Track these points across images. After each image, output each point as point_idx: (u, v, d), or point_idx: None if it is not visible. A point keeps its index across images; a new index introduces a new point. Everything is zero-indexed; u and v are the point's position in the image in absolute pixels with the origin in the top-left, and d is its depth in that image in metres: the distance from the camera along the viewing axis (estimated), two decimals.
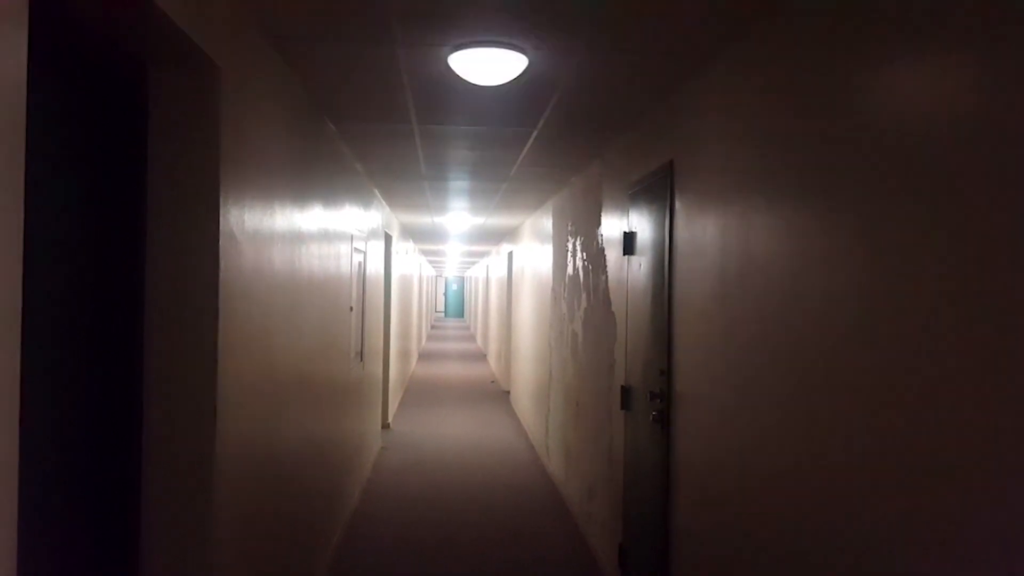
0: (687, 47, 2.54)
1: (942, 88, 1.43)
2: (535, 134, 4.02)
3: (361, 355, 5.60)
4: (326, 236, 3.88)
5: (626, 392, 3.79)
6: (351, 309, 4.95)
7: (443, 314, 40.25)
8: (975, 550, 1.31)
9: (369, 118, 3.80)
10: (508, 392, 11.13)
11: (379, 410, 7.28)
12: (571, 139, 4.14)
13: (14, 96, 1.14)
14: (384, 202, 7.11)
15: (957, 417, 1.36)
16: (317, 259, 3.60)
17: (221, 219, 2.11)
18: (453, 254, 17.10)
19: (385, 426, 8.22)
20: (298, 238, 3.15)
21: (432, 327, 28.97)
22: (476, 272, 22.94)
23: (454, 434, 8.13)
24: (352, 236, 4.84)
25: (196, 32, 1.88)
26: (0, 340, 1.12)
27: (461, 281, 39.23)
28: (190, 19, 1.83)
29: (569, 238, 5.69)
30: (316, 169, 3.57)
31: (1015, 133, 1.24)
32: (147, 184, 2.06)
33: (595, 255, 4.69)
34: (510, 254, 10.88)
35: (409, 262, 12.23)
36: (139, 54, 1.96)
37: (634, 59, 2.70)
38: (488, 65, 2.67)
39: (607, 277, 4.34)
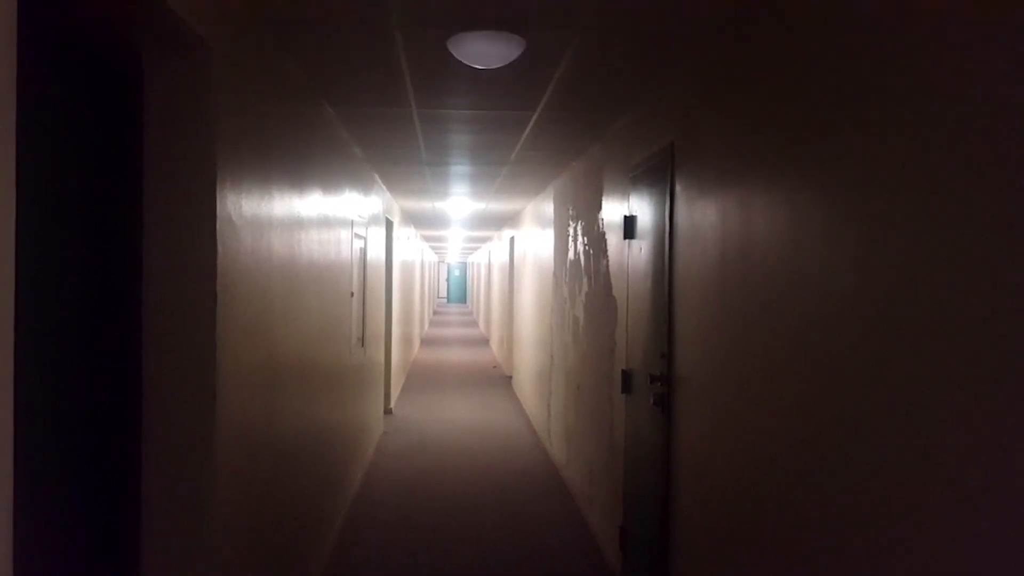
0: (686, 29, 2.52)
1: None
2: (535, 117, 4.00)
3: (362, 340, 5.60)
4: (326, 221, 3.87)
5: (627, 376, 3.79)
6: (352, 295, 4.95)
7: (446, 300, 40.30)
8: (973, 542, 1.31)
9: (368, 102, 3.77)
10: (510, 377, 11.15)
11: (381, 395, 7.30)
12: (571, 122, 4.12)
13: (4, 85, 1.13)
14: (385, 187, 7.09)
15: (958, 403, 1.36)
16: (317, 244, 3.60)
17: (218, 204, 2.10)
18: (455, 240, 17.08)
19: (387, 411, 8.24)
20: (297, 223, 3.14)
21: (435, 313, 29.00)
22: (478, 258, 22.93)
23: (456, 419, 8.15)
24: (352, 222, 4.83)
25: (189, 14, 1.86)
26: None
27: (463, 267, 39.22)
28: (182, 1, 1.82)
29: (570, 222, 5.67)
30: (315, 153, 3.55)
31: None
32: (143, 170, 2.05)
33: (596, 239, 4.68)
34: (511, 239, 10.86)
35: (410, 248, 12.22)
36: (132, 38, 1.95)
37: (634, 41, 2.68)
38: (486, 48, 2.64)
39: (608, 261, 4.33)
